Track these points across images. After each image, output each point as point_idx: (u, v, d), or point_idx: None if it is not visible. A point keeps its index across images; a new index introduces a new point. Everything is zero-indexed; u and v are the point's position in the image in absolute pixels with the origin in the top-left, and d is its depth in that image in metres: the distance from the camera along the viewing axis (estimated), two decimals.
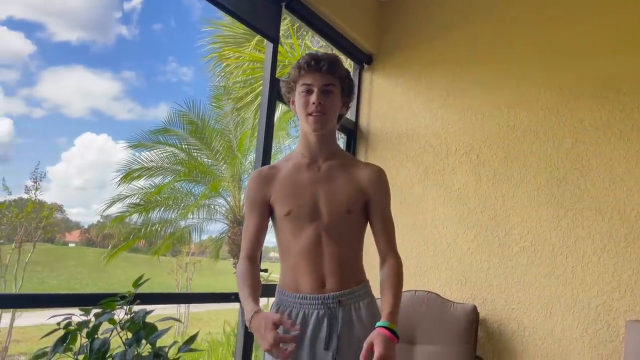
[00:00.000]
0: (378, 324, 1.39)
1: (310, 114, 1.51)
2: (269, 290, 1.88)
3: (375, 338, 1.34)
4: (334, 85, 1.53)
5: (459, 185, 2.83)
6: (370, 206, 1.57)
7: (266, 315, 1.34)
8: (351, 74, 1.61)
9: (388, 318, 1.40)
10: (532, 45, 2.75)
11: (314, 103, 1.50)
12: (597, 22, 2.59)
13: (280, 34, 2.66)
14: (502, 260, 2.64)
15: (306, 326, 1.47)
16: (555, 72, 2.66)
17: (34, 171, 7.90)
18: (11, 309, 6.67)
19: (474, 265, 2.71)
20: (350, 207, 1.53)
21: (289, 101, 1.62)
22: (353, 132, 3.16)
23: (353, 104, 3.22)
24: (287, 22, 5.36)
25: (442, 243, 2.82)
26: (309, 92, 1.52)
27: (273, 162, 2.19)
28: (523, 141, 2.69)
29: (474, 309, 2.51)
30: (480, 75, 2.88)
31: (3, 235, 7.43)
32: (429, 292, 2.63)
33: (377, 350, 1.31)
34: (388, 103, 3.12)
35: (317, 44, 6.26)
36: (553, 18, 2.71)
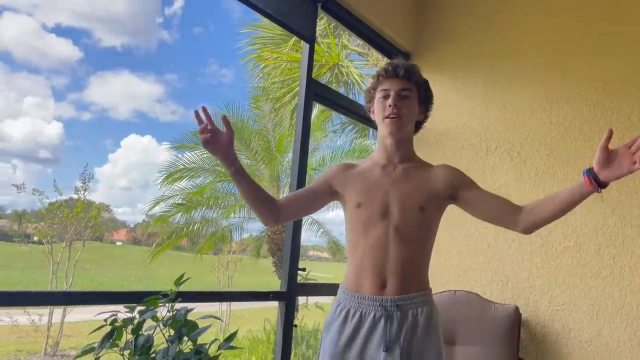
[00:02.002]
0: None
1: (386, 117, 1.53)
2: (307, 289, 1.89)
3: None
4: (411, 91, 1.56)
5: (499, 183, 2.77)
6: (464, 193, 1.58)
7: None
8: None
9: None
10: (575, 38, 2.66)
11: (390, 106, 1.53)
12: None
13: (317, 33, 2.67)
14: (544, 260, 2.57)
15: (361, 326, 1.47)
16: (600, 65, 2.56)
17: (83, 172, 8.17)
18: (62, 305, 6.96)
19: (515, 265, 2.65)
20: (424, 204, 1.52)
21: (370, 111, 1.64)
22: None
23: None
24: (325, 22, 5.36)
25: (482, 243, 2.77)
26: (386, 97, 1.55)
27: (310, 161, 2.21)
28: (566, 138, 2.61)
29: (516, 309, 2.46)
30: (520, 70, 2.81)
31: (55, 235, 7.73)
32: (469, 292, 2.59)
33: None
34: None
35: (354, 43, 6.25)
36: (596, 10, 2.62)
